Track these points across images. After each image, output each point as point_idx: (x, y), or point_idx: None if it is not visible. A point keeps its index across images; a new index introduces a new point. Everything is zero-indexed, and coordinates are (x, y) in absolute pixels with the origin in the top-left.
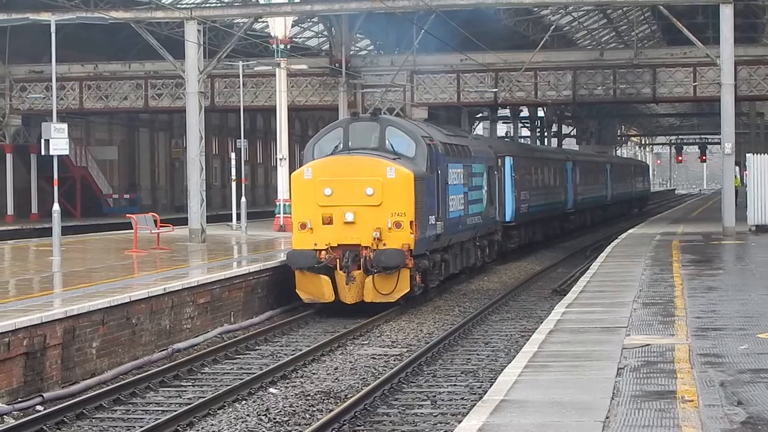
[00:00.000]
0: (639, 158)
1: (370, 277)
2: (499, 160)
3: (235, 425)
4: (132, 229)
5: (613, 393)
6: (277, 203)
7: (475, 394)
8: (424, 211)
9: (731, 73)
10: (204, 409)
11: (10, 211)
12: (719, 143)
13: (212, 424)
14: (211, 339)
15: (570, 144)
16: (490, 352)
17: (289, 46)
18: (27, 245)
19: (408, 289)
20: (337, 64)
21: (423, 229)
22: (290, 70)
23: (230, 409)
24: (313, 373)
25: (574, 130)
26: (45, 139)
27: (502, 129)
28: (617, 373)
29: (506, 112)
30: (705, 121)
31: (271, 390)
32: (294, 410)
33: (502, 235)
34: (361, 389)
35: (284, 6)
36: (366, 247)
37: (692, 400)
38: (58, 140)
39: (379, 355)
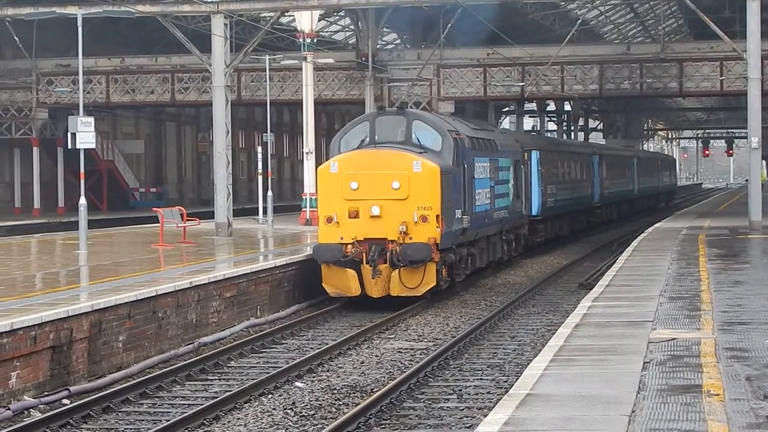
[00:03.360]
0: (665, 152)
1: (397, 270)
2: (526, 154)
3: (262, 419)
4: (158, 222)
5: (639, 387)
6: (304, 197)
7: (501, 388)
8: (450, 205)
9: (758, 67)
10: (230, 403)
11: (36, 204)
12: (746, 137)
13: (238, 418)
14: (238, 333)
15: (597, 138)
16: (516, 346)
17: (315, 40)
18: (54, 239)
19: (434, 283)
20: (363, 58)
21: (449, 223)
22: (317, 63)
23: (256, 403)
24: (340, 367)
25: (601, 124)
26: (72, 133)
27: (528, 123)
28: (643, 367)
29: (533, 106)
30: (732, 115)
31: (298, 384)
32: (320, 404)
33: (528, 229)
34: (387, 383)
35: (311, 0)
36: (392, 241)
37: (718, 394)
38: (84, 134)
39: (406, 349)
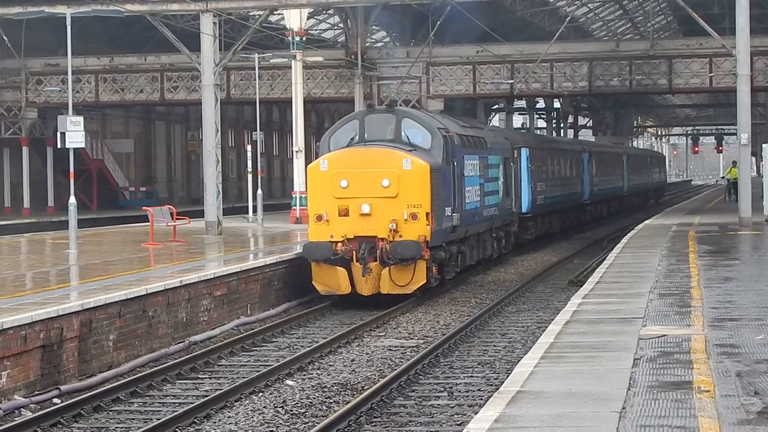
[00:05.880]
0: (655, 149)
1: (387, 268)
2: (515, 151)
3: (252, 417)
4: (148, 221)
5: (630, 383)
6: (293, 195)
7: (491, 385)
8: (440, 203)
9: (747, 63)
10: (221, 402)
11: (26, 204)
12: (735, 134)
13: (229, 417)
14: (228, 331)
15: (586, 135)
16: (507, 344)
17: (304, 39)
18: (43, 238)
19: (424, 281)
20: (352, 56)
21: (439, 221)
22: (306, 62)
23: (247, 402)
24: (330, 365)
25: (591, 121)
26: (61, 132)
27: (518, 120)
28: (633, 363)
29: (522, 103)
30: (721, 112)
31: (288, 382)
32: (311, 402)
33: (518, 226)
34: (378, 381)
35: None
36: (382, 239)
37: (708, 391)
38: (74, 133)
39: (396, 346)
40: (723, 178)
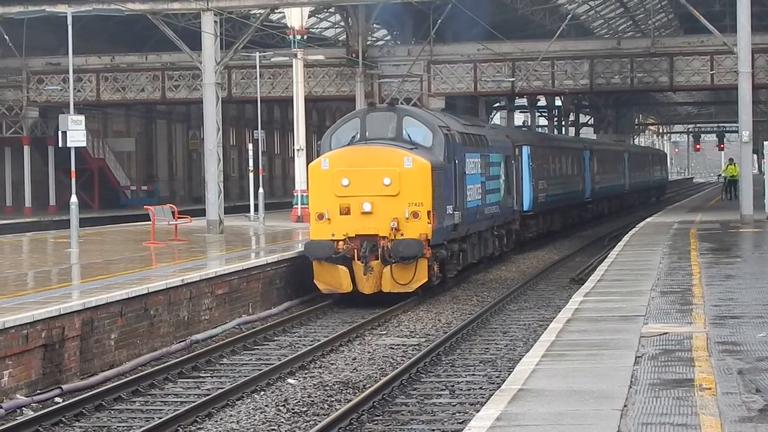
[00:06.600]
0: (656, 147)
1: (388, 267)
2: (517, 149)
3: (254, 416)
4: (150, 220)
5: (631, 381)
6: (295, 194)
7: (493, 383)
8: (441, 201)
9: (748, 61)
10: (222, 400)
11: (27, 203)
12: (737, 131)
13: (231, 415)
14: (230, 330)
15: (587, 133)
16: (508, 342)
17: (305, 37)
18: (45, 237)
19: (426, 279)
20: (353, 55)
21: (440, 219)
22: (307, 60)
23: (249, 400)
24: (332, 364)
25: (592, 119)
26: (62, 131)
27: (519, 118)
28: (635, 361)
29: (523, 101)
30: (722, 110)
31: (290, 380)
32: (312, 400)
33: (519, 224)
34: (380, 379)
35: None
36: (383, 237)
37: (710, 388)
38: (75, 132)
39: (397, 345)
40: (720, 176)
